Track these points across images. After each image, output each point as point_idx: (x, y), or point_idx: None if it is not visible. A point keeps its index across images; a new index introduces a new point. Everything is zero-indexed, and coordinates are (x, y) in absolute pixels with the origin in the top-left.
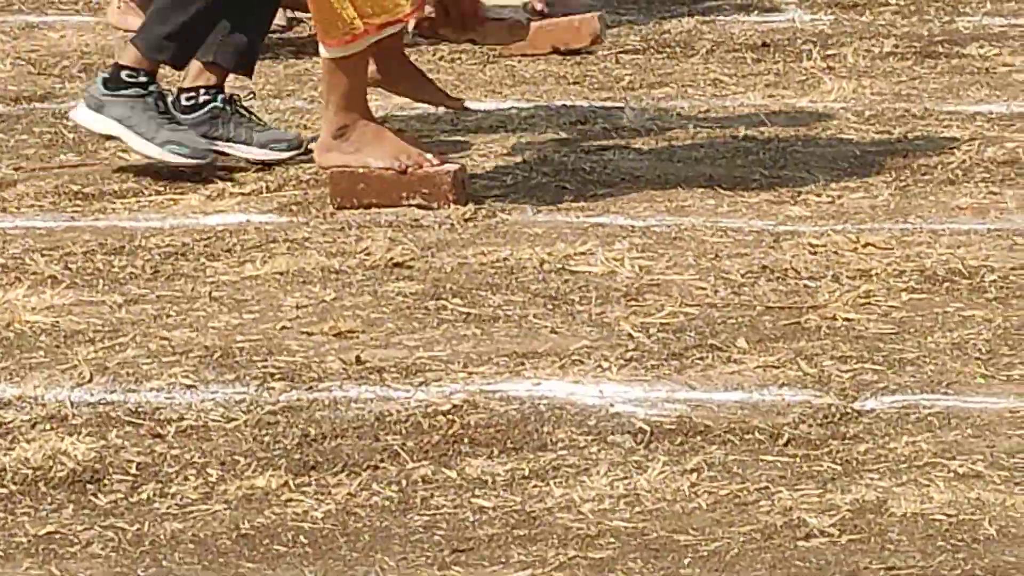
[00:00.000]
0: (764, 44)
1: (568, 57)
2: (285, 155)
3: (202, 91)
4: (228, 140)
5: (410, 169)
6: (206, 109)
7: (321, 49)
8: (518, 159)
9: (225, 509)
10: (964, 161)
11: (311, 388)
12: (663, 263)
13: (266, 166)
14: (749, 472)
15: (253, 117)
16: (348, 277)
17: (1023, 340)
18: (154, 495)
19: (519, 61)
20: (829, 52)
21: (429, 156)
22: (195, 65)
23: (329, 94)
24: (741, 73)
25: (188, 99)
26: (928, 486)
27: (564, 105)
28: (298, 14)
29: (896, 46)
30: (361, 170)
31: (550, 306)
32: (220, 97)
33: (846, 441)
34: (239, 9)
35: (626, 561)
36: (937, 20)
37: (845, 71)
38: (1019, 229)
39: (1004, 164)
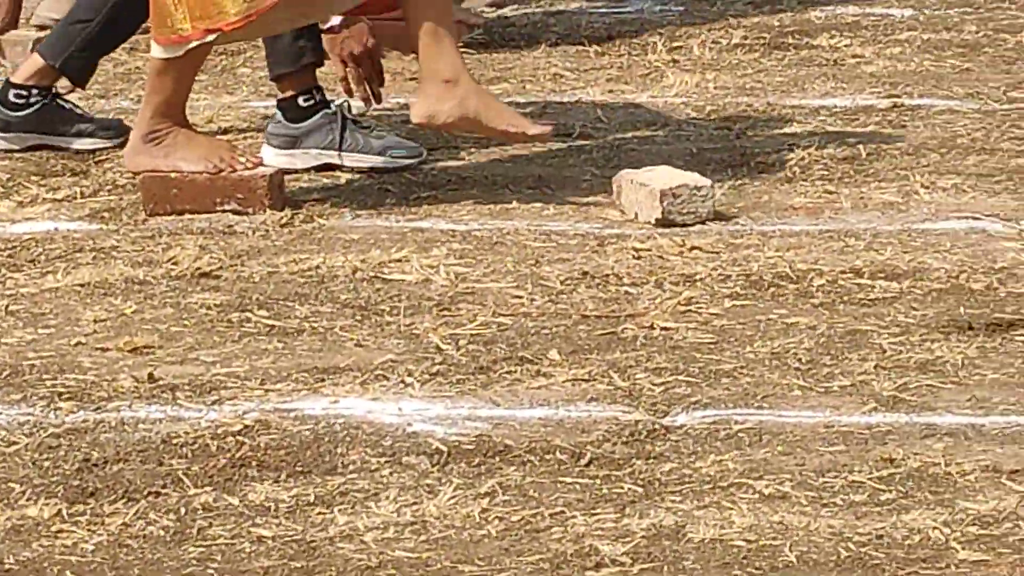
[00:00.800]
0: (610, 37)
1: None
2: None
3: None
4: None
5: (224, 171)
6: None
7: (152, 47)
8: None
9: None
10: (803, 158)
11: (99, 408)
12: (480, 270)
13: (82, 172)
14: (545, 495)
15: (78, 110)
16: (152, 288)
17: (845, 349)
18: None
19: None
20: (675, 44)
21: (243, 159)
22: None
23: (149, 95)
24: (584, 67)
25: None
26: (730, 509)
27: (399, 103)
28: None
29: (745, 37)
30: (173, 175)
31: (358, 317)
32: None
33: (650, 461)
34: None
35: None
36: (790, 10)
37: (690, 64)
38: (852, 230)
39: (843, 161)
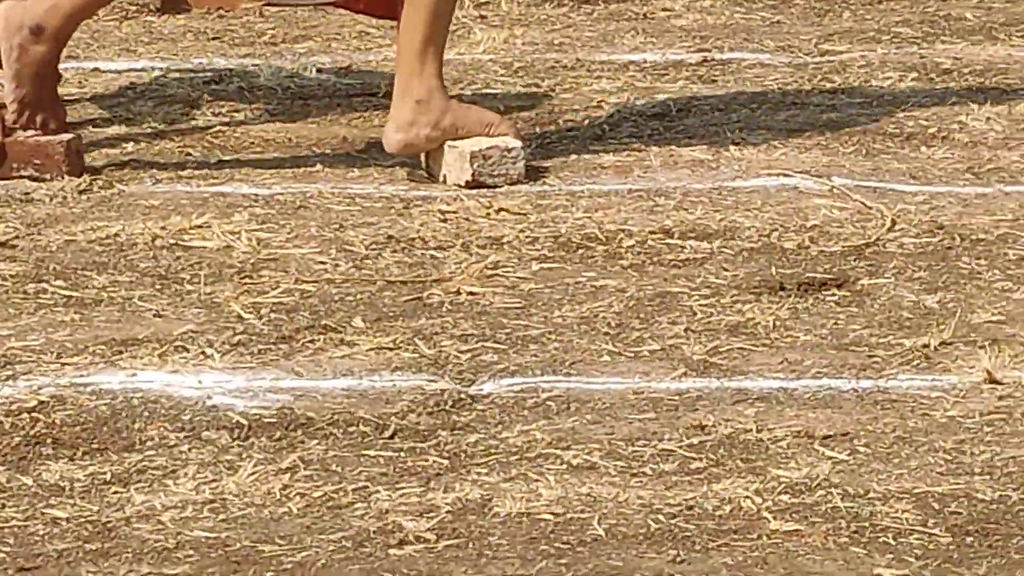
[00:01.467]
0: None
1: (212, 11)
2: None
3: None
4: None
5: (18, 135)
6: None
7: None
8: (143, 125)
9: None
10: (613, 115)
11: None
12: (283, 235)
13: None
14: (348, 470)
15: None
16: None
17: (655, 312)
18: None
19: (161, 17)
20: (483, 0)
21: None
22: None
23: None
24: (390, 25)
25: None
26: (538, 481)
27: (200, 63)
28: None
29: None
30: None
31: (158, 286)
32: None
33: (456, 432)
34: None
35: None
36: None
37: (498, 20)
38: (662, 189)
39: (653, 118)
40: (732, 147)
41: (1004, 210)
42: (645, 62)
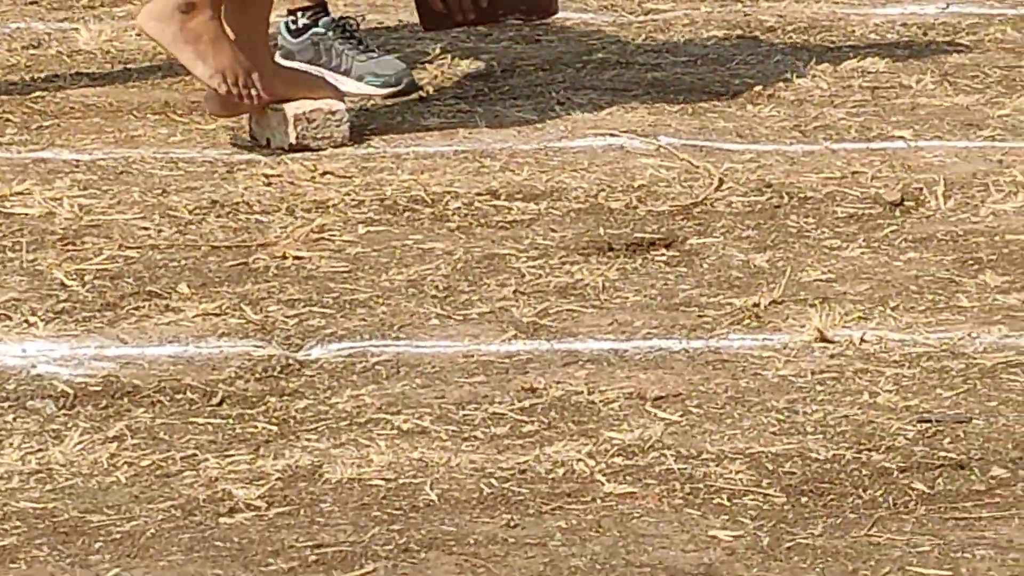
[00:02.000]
0: None
1: None
2: (379, 91)
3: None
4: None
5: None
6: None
7: None
8: None
9: None
10: (436, 76)
11: None
12: (106, 201)
13: None
14: (176, 438)
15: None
16: None
17: (483, 274)
18: None
19: None
20: None
21: (255, 91)
22: None
23: None
24: None
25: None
26: (368, 446)
27: (18, 28)
28: None
29: None
30: None
31: None
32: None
33: (284, 398)
34: None
35: (31, 548)
36: None
37: None
38: (488, 150)
39: (478, 79)
40: (557, 107)
41: (831, 168)
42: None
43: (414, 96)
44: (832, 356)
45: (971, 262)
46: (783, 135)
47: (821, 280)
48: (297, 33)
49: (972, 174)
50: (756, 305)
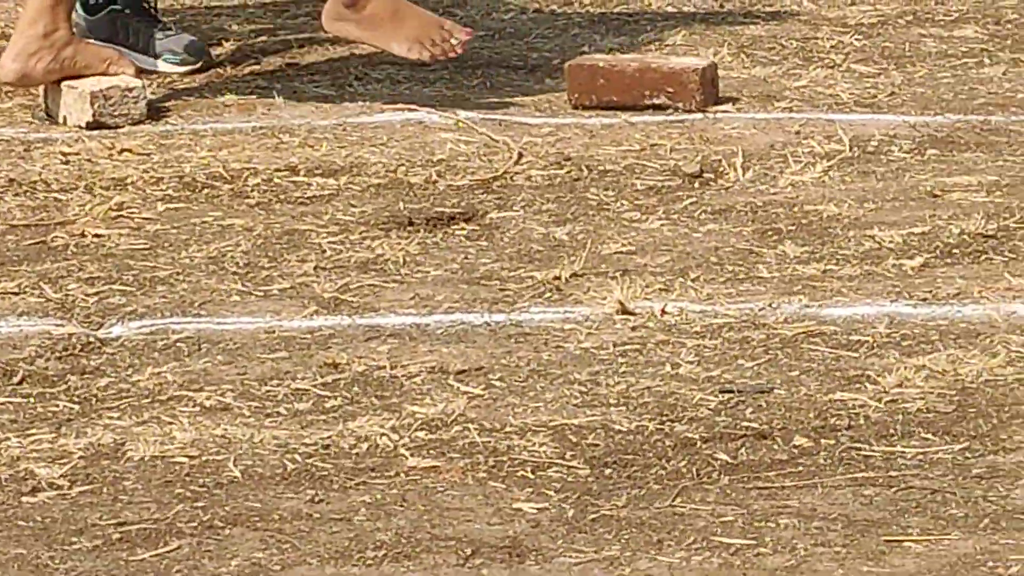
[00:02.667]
0: None
1: None
2: (178, 69)
3: None
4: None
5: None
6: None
7: None
8: None
9: None
10: (234, 53)
11: None
12: None
13: None
14: None
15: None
16: None
17: (284, 250)
18: None
19: None
20: None
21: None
22: None
23: None
24: None
25: None
26: (171, 424)
27: None
28: None
29: None
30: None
31: None
32: None
33: (86, 376)
34: None
35: None
36: None
37: None
38: (286, 126)
39: (276, 54)
40: (355, 83)
41: (630, 140)
42: (261, 1)
43: (212, 72)
44: (634, 328)
45: (770, 233)
46: (581, 108)
47: (622, 252)
48: (94, 9)
49: (770, 145)
50: (557, 278)
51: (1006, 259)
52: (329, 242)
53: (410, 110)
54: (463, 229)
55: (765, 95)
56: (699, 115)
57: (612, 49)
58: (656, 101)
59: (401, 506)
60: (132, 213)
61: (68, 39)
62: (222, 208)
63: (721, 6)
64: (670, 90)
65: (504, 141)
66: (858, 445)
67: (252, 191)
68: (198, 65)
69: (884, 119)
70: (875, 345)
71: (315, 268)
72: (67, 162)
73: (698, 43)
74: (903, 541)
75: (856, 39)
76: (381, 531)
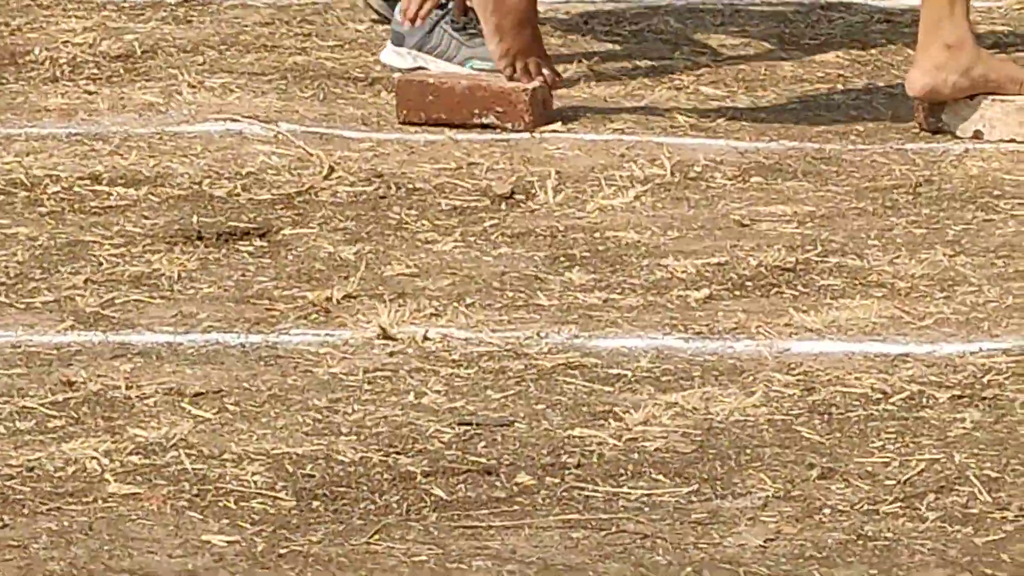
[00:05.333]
0: None
1: None
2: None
3: None
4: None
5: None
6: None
7: None
8: None
9: None
10: (75, 56)
11: None
12: None
13: None
14: None
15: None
16: None
17: (60, 262)
18: None
19: None
20: None
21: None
22: None
23: None
24: None
25: None
26: None
27: None
28: None
29: None
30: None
31: None
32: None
33: None
34: None
35: None
36: None
37: None
38: (103, 133)
39: (116, 59)
40: (188, 90)
41: (449, 158)
42: (124, 2)
43: (45, 74)
44: (391, 354)
45: (563, 259)
46: (409, 124)
47: (404, 274)
48: None
49: (590, 168)
50: (328, 299)
51: (797, 294)
52: (109, 255)
53: (232, 120)
54: (250, 245)
55: (601, 116)
56: (526, 135)
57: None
58: (484, 120)
59: (85, 535)
60: None
61: (976, 54)
62: (12, 216)
63: (585, 23)
64: (499, 109)
65: (318, 155)
66: (582, 485)
67: (48, 199)
68: None
69: (714, 144)
70: (633, 380)
71: (85, 281)
72: None
73: (554, 60)
74: None
75: (714, 61)
76: (55, 560)
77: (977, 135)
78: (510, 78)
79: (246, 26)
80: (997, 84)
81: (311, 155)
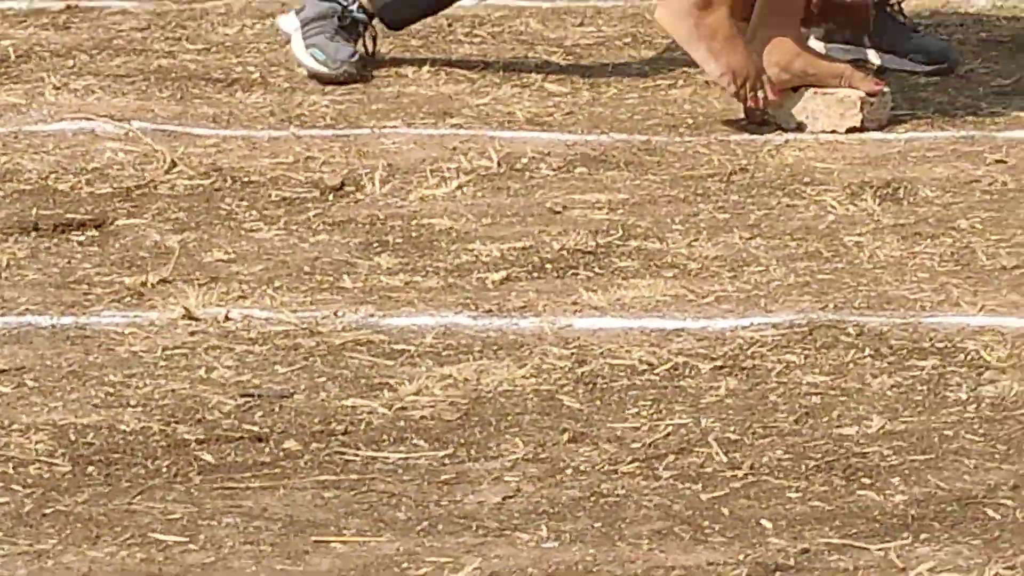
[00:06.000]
0: None
1: None
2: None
3: None
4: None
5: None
6: None
7: None
8: None
9: None
10: None
11: None
12: None
13: None
14: None
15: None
16: None
17: None
18: None
19: None
20: None
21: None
22: None
23: None
24: None
25: None
26: None
27: None
28: None
29: None
30: None
31: None
32: None
33: None
34: None
35: None
36: None
37: None
38: None
39: None
40: (51, 91)
41: (288, 153)
42: (10, 10)
43: None
44: (192, 333)
45: (376, 244)
46: (258, 121)
47: (222, 261)
48: None
49: (421, 160)
50: (144, 284)
51: (592, 275)
52: None
53: (88, 119)
54: (82, 236)
55: (443, 111)
56: (367, 130)
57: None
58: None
59: None
60: None
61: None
62: None
63: (449, 25)
64: None
65: (163, 151)
66: (344, 450)
67: None
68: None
69: (545, 137)
70: (415, 355)
71: None
72: None
73: (405, 61)
74: (331, 542)
75: (565, 60)
76: None
77: (800, 127)
78: (738, 98)
79: (122, 31)
80: (817, 78)
81: (156, 151)
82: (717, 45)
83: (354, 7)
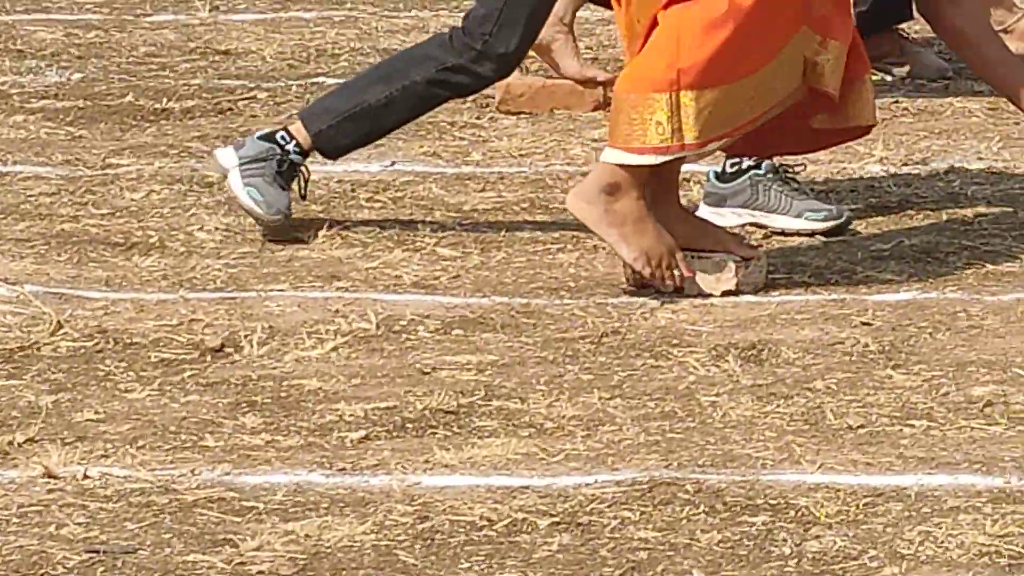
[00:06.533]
0: None
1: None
2: (821, 226)
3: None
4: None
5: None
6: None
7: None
8: None
9: None
10: None
11: None
12: None
13: None
14: None
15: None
16: None
17: None
18: None
19: None
20: None
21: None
22: None
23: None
24: None
25: (732, 165)
26: None
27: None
28: None
29: None
30: None
31: None
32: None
33: None
34: None
35: None
36: None
37: None
38: None
39: None
40: None
41: (176, 315)
42: None
43: None
44: (50, 491)
45: (244, 405)
46: (150, 284)
47: (92, 420)
48: (731, 177)
49: (302, 322)
50: (11, 443)
51: (449, 434)
52: None
53: None
54: None
55: (331, 275)
56: (254, 293)
57: (217, 228)
58: None
59: None
60: None
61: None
62: None
63: (353, 190)
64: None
65: (50, 313)
66: None
67: None
68: (840, 221)
69: (427, 300)
70: (264, 512)
71: None
72: None
73: (304, 225)
74: None
75: (459, 225)
76: None
77: (678, 290)
78: (652, 279)
79: (31, 196)
80: (695, 241)
81: (45, 313)
82: (628, 230)
83: (291, 146)
